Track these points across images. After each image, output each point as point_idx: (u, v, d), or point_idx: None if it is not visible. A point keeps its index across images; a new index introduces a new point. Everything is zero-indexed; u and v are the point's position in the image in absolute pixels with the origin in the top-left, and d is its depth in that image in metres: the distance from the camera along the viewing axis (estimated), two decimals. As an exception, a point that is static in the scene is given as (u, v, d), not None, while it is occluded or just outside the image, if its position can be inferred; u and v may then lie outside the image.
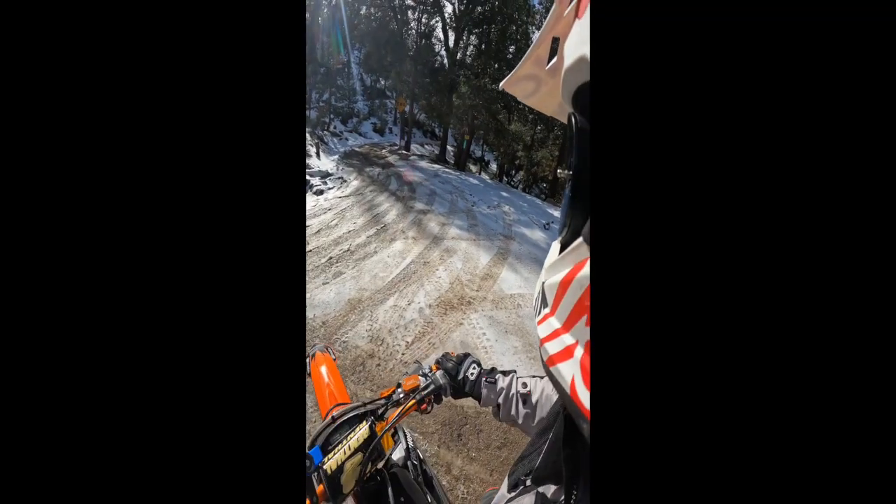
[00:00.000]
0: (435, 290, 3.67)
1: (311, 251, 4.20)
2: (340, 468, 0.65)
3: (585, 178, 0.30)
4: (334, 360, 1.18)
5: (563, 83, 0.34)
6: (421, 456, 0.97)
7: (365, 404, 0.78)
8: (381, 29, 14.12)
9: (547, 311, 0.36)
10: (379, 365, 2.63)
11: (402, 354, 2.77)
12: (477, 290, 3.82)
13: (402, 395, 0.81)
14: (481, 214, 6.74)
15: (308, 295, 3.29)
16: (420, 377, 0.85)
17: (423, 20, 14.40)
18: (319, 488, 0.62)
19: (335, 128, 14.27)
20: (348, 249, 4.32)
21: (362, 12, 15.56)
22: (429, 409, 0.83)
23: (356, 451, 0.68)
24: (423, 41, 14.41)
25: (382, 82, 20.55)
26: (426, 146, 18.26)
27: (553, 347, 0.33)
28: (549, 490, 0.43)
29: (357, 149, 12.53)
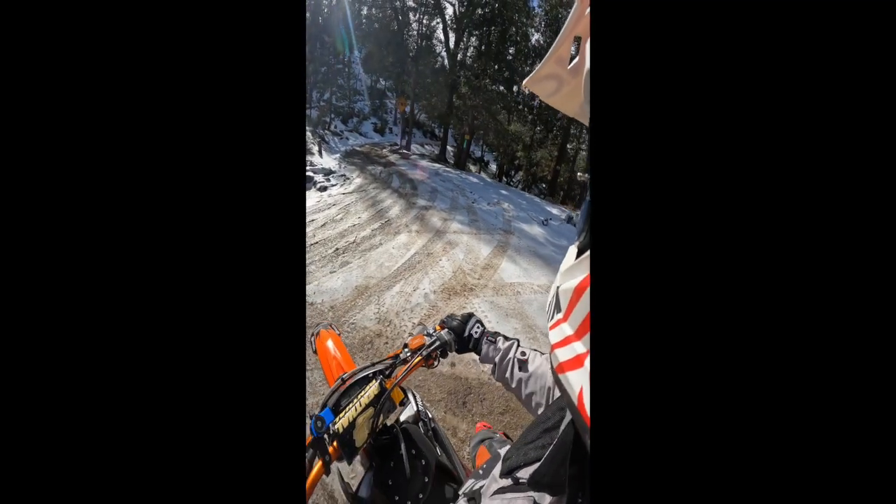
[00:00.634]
0: (439, 279, 3.86)
1: (317, 243, 4.36)
2: (352, 424, 0.66)
3: None
4: (338, 334, 1.19)
5: (584, 84, 0.33)
6: (430, 415, 1.00)
7: (373, 364, 0.80)
8: (382, 30, 14.32)
9: (560, 316, 0.35)
10: (387, 343, 2.81)
11: (409, 334, 2.95)
12: (478, 279, 4.01)
13: (409, 354, 0.85)
14: (482, 210, 6.93)
15: (315, 283, 3.45)
16: (425, 336, 0.89)
17: (424, 21, 14.66)
18: (332, 448, 0.63)
19: (336, 127, 14.50)
20: (354, 241, 4.49)
21: (363, 13, 15.77)
22: (435, 364, 0.89)
23: (367, 406, 0.70)
24: (424, 42, 14.65)
25: (383, 83, 20.76)
26: (426, 146, 18.44)
27: (564, 354, 0.33)
28: (545, 500, 0.41)
29: (358, 148, 12.75)
